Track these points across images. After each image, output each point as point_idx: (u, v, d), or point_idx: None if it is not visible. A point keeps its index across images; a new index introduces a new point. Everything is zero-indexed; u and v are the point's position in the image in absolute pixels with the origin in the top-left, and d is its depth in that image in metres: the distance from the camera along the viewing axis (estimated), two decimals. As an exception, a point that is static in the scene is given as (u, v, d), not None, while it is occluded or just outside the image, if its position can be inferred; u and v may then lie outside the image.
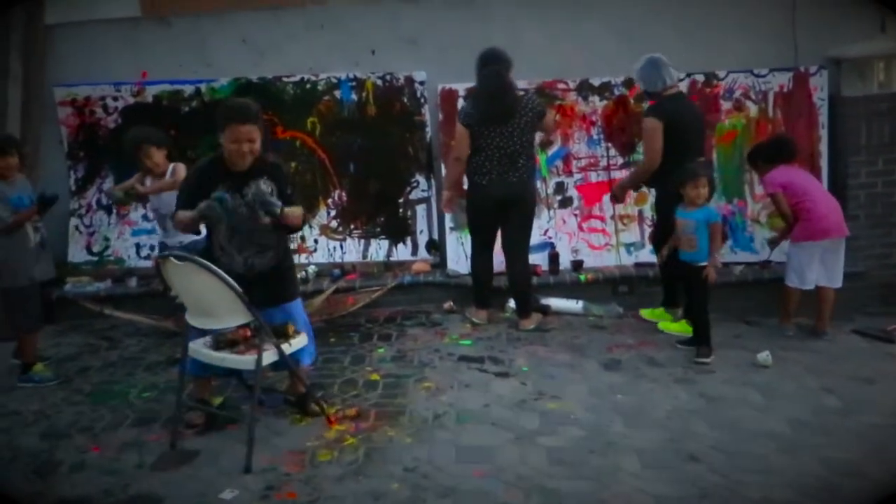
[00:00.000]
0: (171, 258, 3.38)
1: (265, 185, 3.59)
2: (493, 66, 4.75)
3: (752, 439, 3.55)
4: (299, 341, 3.64)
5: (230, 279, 3.24)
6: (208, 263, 3.24)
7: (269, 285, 3.64)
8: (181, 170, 4.61)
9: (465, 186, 5.12)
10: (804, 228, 4.88)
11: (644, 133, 4.90)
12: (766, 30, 5.65)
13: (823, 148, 5.63)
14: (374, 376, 4.36)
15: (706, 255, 4.50)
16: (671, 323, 5.07)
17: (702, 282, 4.52)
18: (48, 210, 4.50)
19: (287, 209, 3.56)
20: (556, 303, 5.44)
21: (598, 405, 3.93)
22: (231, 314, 3.37)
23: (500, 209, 4.93)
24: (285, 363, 3.60)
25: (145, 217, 5.83)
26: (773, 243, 5.29)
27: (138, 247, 5.86)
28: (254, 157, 3.56)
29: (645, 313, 5.29)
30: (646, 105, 5.14)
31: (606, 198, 5.68)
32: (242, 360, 3.49)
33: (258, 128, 3.52)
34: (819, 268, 4.94)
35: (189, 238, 4.33)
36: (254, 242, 3.61)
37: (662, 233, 4.93)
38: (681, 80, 5.26)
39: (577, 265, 5.72)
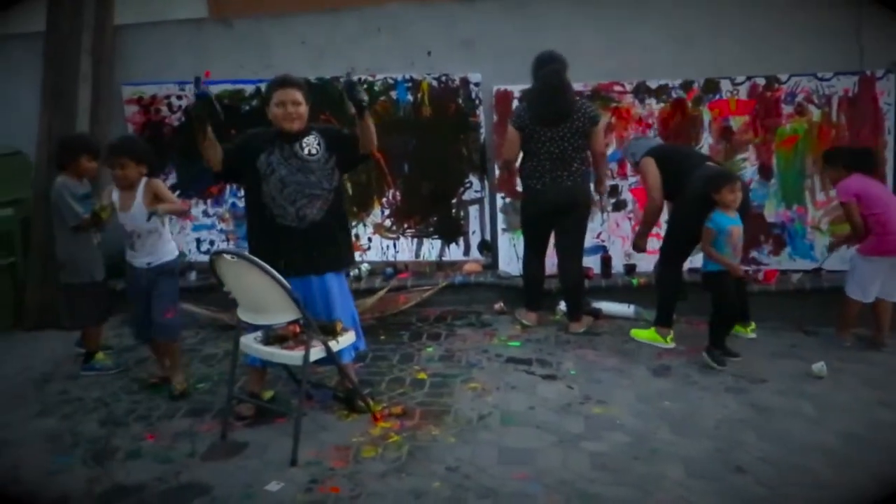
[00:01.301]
0: (224, 255, 3.48)
1: (310, 139, 3.78)
2: (552, 65, 4.75)
3: (801, 452, 3.48)
4: (347, 338, 3.70)
5: (280, 277, 3.32)
6: (260, 261, 3.33)
7: (319, 249, 3.75)
8: (158, 185, 4.28)
9: (520, 189, 5.13)
10: (877, 243, 4.73)
11: (641, 175, 4.96)
12: (831, 32, 5.50)
13: (889, 154, 5.46)
14: (422, 375, 4.40)
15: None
16: (642, 331, 4.98)
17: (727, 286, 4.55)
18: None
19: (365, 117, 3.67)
20: (607, 307, 5.41)
21: (644, 411, 3.90)
22: (280, 311, 3.45)
23: (554, 213, 4.93)
24: (332, 360, 3.67)
25: (206, 213, 6.00)
26: (832, 248, 5.14)
27: (198, 241, 6.03)
28: (300, 125, 3.74)
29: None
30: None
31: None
32: (290, 356, 3.56)
33: (304, 95, 3.74)
34: (884, 281, 4.79)
35: (159, 259, 4.20)
36: (305, 194, 3.73)
37: (673, 241, 4.89)
38: (740, 84, 5.20)
39: (630, 269, 5.67)
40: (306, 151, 3.74)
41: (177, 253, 4.20)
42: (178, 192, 5.97)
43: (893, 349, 4.83)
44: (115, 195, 4.21)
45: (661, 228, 5.11)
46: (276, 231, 3.74)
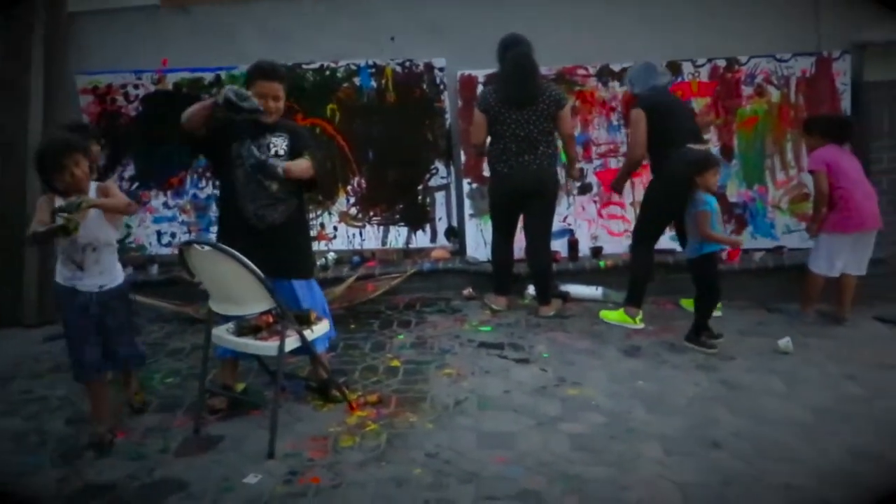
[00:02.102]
0: (195, 245, 3.40)
1: (277, 138, 3.67)
2: (519, 47, 4.74)
3: (774, 426, 3.54)
4: (321, 328, 3.66)
5: (254, 266, 3.26)
6: (233, 251, 3.26)
7: (278, 253, 3.66)
8: (111, 186, 3.57)
9: (486, 174, 5.11)
10: (840, 218, 4.83)
11: (630, 124, 4.89)
12: (789, 14, 5.59)
13: (846, 133, 5.57)
14: (395, 363, 4.38)
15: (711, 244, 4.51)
16: (611, 312, 5.03)
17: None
18: None
19: (289, 163, 3.56)
20: (575, 289, 5.45)
21: (618, 392, 3.93)
22: (254, 301, 3.39)
23: (521, 197, 4.93)
24: (307, 349, 3.63)
25: (166, 205, 5.88)
26: (811, 231, 5.09)
27: (159, 234, 5.90)
28: (276, 118, 3.69)
29: (685, 303, 5.28)
30: None
31: (627, 184, 5.65)
32: (265, 347, 3.50)
33: (284, 89, 3.68)
34: (847, 256, 4.90)
35: (113, 281, 3.49)
36: (267, 195, 3.66)
37: (646, 222, 4.93)
38: (701, 66, 5.25)
39: (597, 252, 5.71)
40: (273, 152, 3.65)
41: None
42: (136, 185, 5.85)
43: (854, 324, 4.95)
44: (60, 202, 3.23)
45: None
46: (238, 226, 3.68)
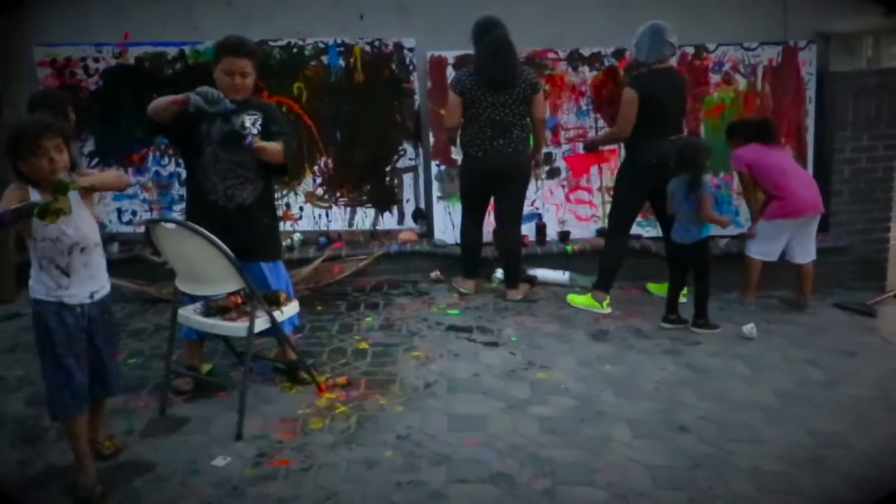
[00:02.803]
0: (163, 223, 3.32)
1: (249, 117, 3.57)
2: (498, 29, 4.71)
3: (740, 410, 3.60)
4: (291, 309, 3.61)
5: (223, 245, 3.19)
6: (202, 229, 3.19)
7: (247, 235, 3.59)
8: (89, 172, 3.49)
9: (459, 158, 5.09)
10: (780, 206, 4.92)
11: (621, 102, 4.85)
12: (757, 3, 5.64)
13: (810, 122, 5.66)
14: (363, 345, 4.35)
15: (709, 228, 4.59)
16: (578, 296, 5.07)
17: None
18: None
19: (261, 142, 3.50)
20: (542, 273, 5.47)
21: (587, 375, 3.96)
22: (223, 281, 3.33)
23: (495, 181, 4.92)
24: (276, 331, 3.57)
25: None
26: (750, 231, 5.15)
27: (120, 212, 5.76)
28: (243, 95, 3.58)
29: (653, 287, 5.32)
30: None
31: (594, 169, 5.70)
32: (233, 328, 3.46)
33: (253, 65, 3.58)
34: (794, 244, 4.99)
35: (104, 288, 2.95)
36: (237, 174, 3.59)
37: (620, 209, 4.98)
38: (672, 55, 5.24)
39: (564, 236, 5.73)
40: (244, 131, 3.55)
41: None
42: (96, 161, 5.70)
43: (815, 311, 5.05)
44: (36, 195, 2.69)
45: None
46: (206, 206, 3.60)
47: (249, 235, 3.62)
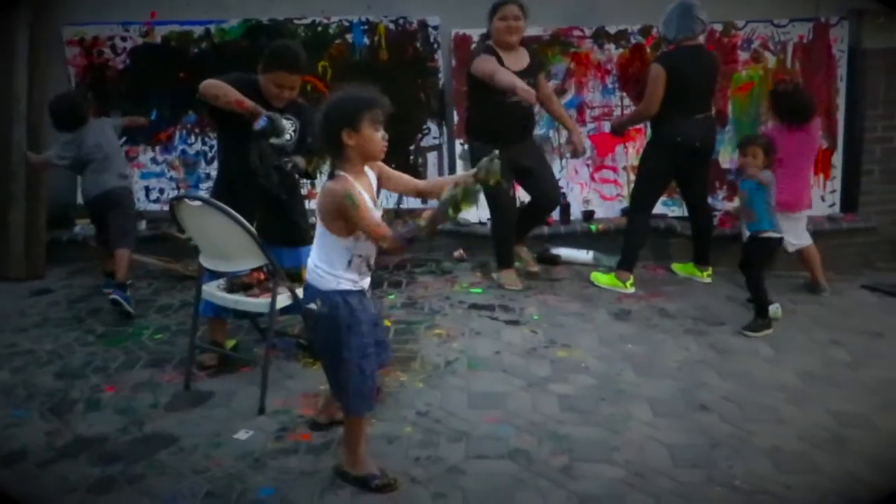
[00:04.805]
0: (186, 200, 3.36)
1: (288, 122, 3.60)
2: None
3: (762, 390, 3.57)
4: (313, 286, 3.64)
5: (246, 222, 3.23)
6: (224, 206, 3.22)
7: (286, 222, 3.73)
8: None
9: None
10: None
11: (648, 78, 4.78)
12: (787, -22, 5.54)
13: (841, 101, 5.55)
14: (386, 322, 4.36)
15: (766, 223, 4.35)
16: (602, 275, 5.02)
17: (762, 250, 4.44)
18: None
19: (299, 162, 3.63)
20: (566, 253, 5.44)
21: (608, 354, 3.95)
22: (246, 257, 3.36)
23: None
24: (298, 307, 3.61)
25: (154, 160, 5.81)
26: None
27: (147, 189, 5.83)
28: (289, 102, 3.66)
29: (677, 267, 5.29)
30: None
31: (619, 148, 5.65)
32: (256, 304, 3.49)
33: (302, 77, 3.64)
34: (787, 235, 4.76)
35: None
36: (279, 168, 3.66)
37: (644, 188, 4.93)
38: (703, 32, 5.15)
39: (588, 215, 5.70)
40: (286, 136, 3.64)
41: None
42: (124, 139, 5.75)
43: (842, 292, 4.98)
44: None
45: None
46: (254, 196, 3.65)
47: (297, 220, 3.80)
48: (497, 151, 2.57)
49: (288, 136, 3.61)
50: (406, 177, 2.94)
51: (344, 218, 2.56)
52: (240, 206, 3.36)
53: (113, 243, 4.80)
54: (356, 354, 2.68)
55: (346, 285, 2.67)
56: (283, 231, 3.71)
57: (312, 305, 2.67)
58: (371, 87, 2.69)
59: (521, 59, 4.73)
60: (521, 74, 4.55)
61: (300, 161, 3.64)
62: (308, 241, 3.73)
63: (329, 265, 2.65)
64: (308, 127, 3.68)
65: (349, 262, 2.65)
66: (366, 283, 2.76)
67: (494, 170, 2.55)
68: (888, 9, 5.20)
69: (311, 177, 3.87)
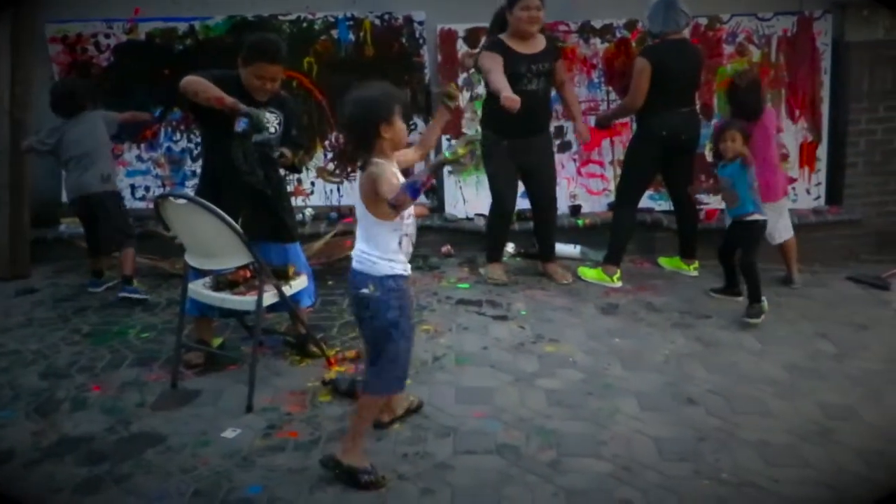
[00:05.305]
0: (171, 198, 3.34)
1: (271, 115, 3.60)
2: None
3: (748, 383, 3.60)
4: (299, 283, 3.64)
5: (231, 220, 3.22)
6: (209, 204, 3.21)
7: (273, 219, 3.70)
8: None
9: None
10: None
11: (633, 72, 4.79)
12: (772, -28, 5.55)
13: (825, 94, 5.58)
14: (373, 319, 4.36)
15: (751, 205, 4.38)
16: (589, 270, 5.03)
17: (750, 235, 4.45)
18: None
19: (285, 155, 3.66)
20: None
21: (596, 349, 3.96)
22: (231, 255, 3.35)
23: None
24: (285, 304, 3.60)
25: (140, 158, 5.77)
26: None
27: (133, 188, 5.80)
28: (272, 94, 3.63)
29: (663, 261, 5.30)
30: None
31: (606, 142, 5.66)
32: (243, 301, 3.48)
33: (283, 68, 3.62)
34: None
35: None
36: (269, 159, 3.66)
37: (630, 182, 4.94)
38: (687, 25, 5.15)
39: (575, 210, 5.70)
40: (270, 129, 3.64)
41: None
42: (120, 135, 5.70)
43: (828, 284, 5.01)
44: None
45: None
46: (239, 192, 3.59)
47: (277, 222, 3.73)
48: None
49: (273, 130, 3.61)
50: (407, 150, 3.05)
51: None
52: (225, 203, 3.35)
53: (112, 248, 4.89)
54: (405, 335, 2.81)
55: (399, 269, 2.79)
56: (269, 228, 3.69)
57: (365, 290, 2.75)
58: (384, 82, 2.85)
59: (537, 44, 4.70)
60: (534, 58, 4.59)
61: (287, 152, 3.66)
62: (295, 238, 3.77)
63: (382, 250, 2.75)
64: (292, 119, 3.71)
65: (399, 243, 2.78)
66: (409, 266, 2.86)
67: (477, 140, 2.63)
68: (887, 7, 5.22)
69: (298, 170, 3.87)
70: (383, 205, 2.59)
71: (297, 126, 3.77)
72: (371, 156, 2.67)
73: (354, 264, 2.81)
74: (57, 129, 4.81)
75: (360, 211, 2.76)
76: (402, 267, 2.80)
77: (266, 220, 3.67)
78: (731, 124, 4.44)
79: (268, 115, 3.57)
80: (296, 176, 5.68)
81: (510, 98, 4.19)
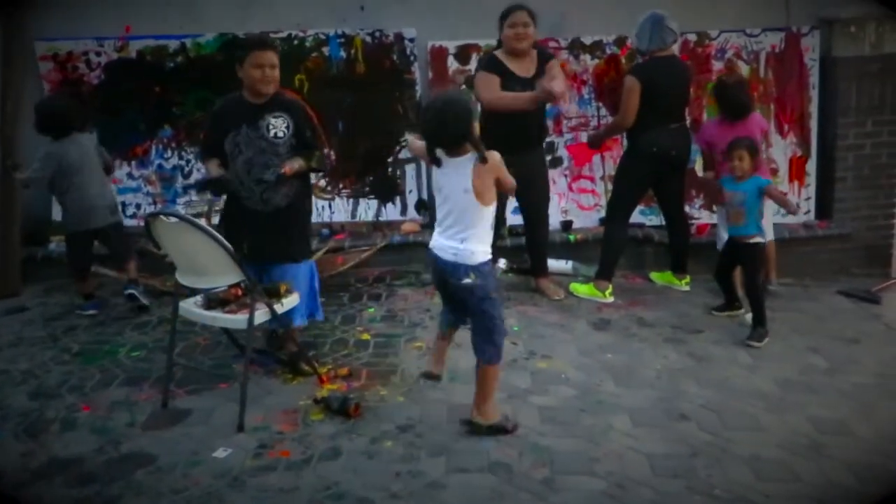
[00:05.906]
0: (162, 216, 3.34)
1: (276, 119, 3.66)
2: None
3: (740, 398, 3.60)
4: (291, 301, 3.62)
5: (222, 238, 3.21)
6: (199, 222, 3.21)
7: (279, 237, 3.74)
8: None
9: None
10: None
11: (623, 90, 4.80)
12: (759, -11, 5.61)
13: (813, 109, 5.63)
14: (365, 336, 4.35)
15: (755, 227, 4.34)
16: (581, 285, 5.03)
17: (754, 257, 4.40)
18: None
19: (289, 164, 3.65)
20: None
21: (588, 365, 3.96)
22: (222, 273, 3.35)
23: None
24: (277, 323, 3.59)
25: (130, 175, 5.76)
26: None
27: (124, 205, 5.77)
28: (275, 88, 3.69)
29: (655, 276, 5.31)
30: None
31: (597, 158, 5.68)
32: (234, 320, 3.47)
33: (277, 57, 3.70)
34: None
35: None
36: (272, 181, 3.69)
37: (621, 198, 4.96)
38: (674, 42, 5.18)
39: (567, 225, 5.71)
40: (272, 134, 3.68)
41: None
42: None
43: (818, 298, 5.03)
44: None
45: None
46: (242, 214, 3.73)
47: (283, 240, 3.77)
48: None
49: (281, 134, 3.68)
50: None
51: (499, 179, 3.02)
52: (239, 225, 3.55)
53: (118, 263, 5.01)
54: (499, 310, 3.20)
55: (490, 254, 3.12)
56: (277, 248, 3.76)
57: (468, 280, 3.05)
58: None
59: (530, 66, 4.65)
60: (528, 82, 4.57)
61: (285, 167, 3.65)
62: (296, 258, 3.80)
63: (483, 241, 3.08)
64: (303, 122, 3.75)
65: (491, 225, 3.10)
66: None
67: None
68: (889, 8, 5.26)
69: (321, 169, 3.99)
70: (493, 191, 2.98)
71: (310, 128, 3.79)
72: (479, 149, 2.95)
73: (449, 257, 3.07)
74: (51, 155, 4.65)
75: (464, 202, 2.99)
76: (491, 251, 3.14)
77: (275, 240, 3.74)
78: (738, 143, 4.37)
79: (271, 119, 3.65)
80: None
81: (546, 90, 4.31)
